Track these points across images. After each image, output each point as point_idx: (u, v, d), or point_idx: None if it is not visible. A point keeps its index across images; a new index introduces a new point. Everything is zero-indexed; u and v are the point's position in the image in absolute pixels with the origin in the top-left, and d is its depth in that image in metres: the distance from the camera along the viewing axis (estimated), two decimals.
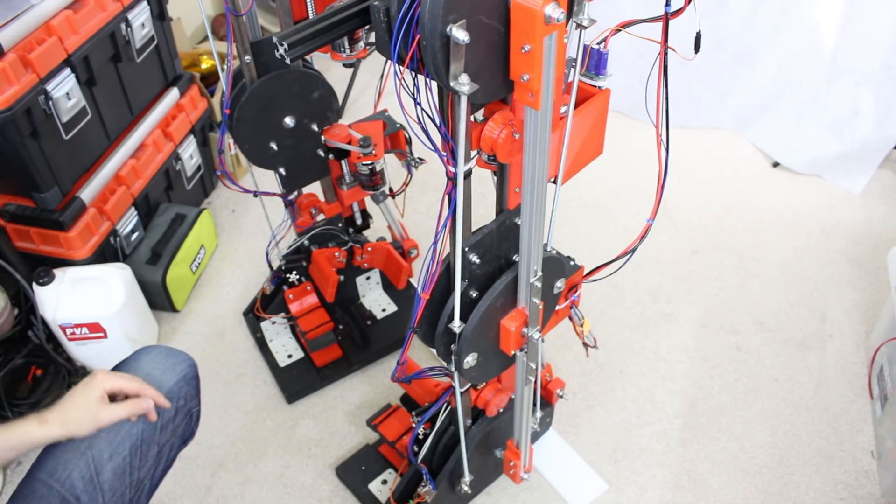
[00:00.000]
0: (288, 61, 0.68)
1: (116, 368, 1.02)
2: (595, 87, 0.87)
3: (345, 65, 1.28)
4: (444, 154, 0.77)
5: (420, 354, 1.60)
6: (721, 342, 1.63)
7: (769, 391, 1.53)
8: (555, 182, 0.88)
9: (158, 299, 1.66)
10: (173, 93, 1.80)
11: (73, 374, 1.52)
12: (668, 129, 0.84)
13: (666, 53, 0.77)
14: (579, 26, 0.74)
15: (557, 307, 1.05)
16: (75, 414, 0.91)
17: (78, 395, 0.92)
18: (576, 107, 0.84)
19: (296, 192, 1.48)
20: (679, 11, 0.74)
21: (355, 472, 1.38)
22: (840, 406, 1.50)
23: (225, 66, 1.22)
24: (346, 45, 1.18)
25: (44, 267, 1.44)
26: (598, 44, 0.81)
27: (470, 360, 0.93)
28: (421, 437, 1.21)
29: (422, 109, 0.73)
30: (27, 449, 0.91)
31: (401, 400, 1.36)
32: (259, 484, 1.39)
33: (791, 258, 1.83)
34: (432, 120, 0.74)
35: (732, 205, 1.99)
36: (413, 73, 0.69)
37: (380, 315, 1.65)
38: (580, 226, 1.91)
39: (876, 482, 1.37)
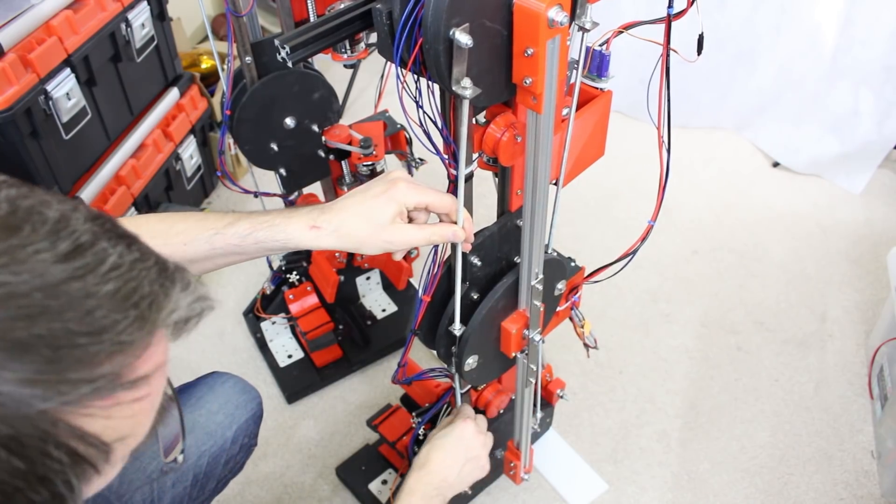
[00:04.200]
0: (290, 64, 0.68)
1: (185, 389, 0.98)
2: (597, 88, 0.87)
3: (345, 65, 1.28)
4: (446, 157, 0.77)
5: (420, 355, 1.60)
6: (721, 342, 1.63)
7: (769, 391, 1.53)
8: (556, 184, 0.88)
9: None
10: (173, 93, 1.80)
11: None
12: (670, 131, 0.84)
13: (668, 56, 0.77)
14: (581, 29, 0.74)
15: (558, 308, 1.05)
16: (360, 229, 0.74)
17: (368, 204, 0.75)
18: (577, 109, 0.84)
19: (296, 193, 1.48)
20: (682, 13, 0.74)
21: (356, 472, 1.38)
22: (840, 406, 1.50)
23: (225, 67, 1.22)
24: (347, 46, 1.18)
25: None
26: (599, 45, 0.81)
27: (471, 362, 0.93)
28: (421, 437, 1.21)
29: (424, 113, 0.73)
30: (286, 251, 0.79)
31: (401, 400, 1.36)
32: (259, 484, 1.39)
33: (791, 258, 1.83)
34: (434, 123, 0.74)
35: (732, 205, 1.99)
36: (415, 76, 0.69)
37: (380, 315, 1.65)
38: (580, 226, 1.91)
39: (876, 482, 1.38)
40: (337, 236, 0.74)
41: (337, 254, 1.48)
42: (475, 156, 0.81)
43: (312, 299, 1.54)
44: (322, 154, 1.33)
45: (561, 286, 1.00)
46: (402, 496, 0.97)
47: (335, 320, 1.54)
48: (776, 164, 2.12)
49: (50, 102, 1.36)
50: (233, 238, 0.76)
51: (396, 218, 0.75)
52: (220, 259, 0.78)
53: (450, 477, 1.02)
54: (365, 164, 1.32)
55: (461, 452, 1.03)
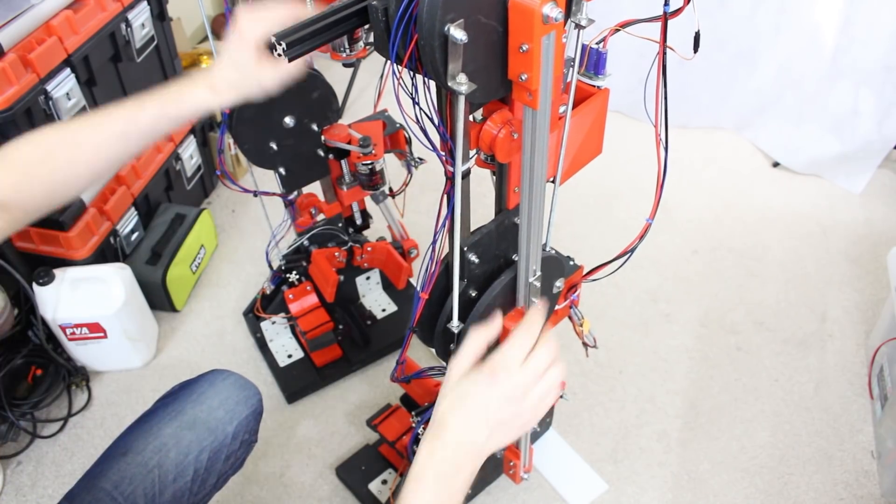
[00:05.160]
0: (286, 61, 0.68)
1: (185, 385, 0.99)
2: (594, 86, 0.87)
3: (344, 64, 1.28)
4: (443, 154, 0.77)
5: (420, 354, 1.60)
6: (721, 342, 1.63)
7: (769, 391, 1.53)
8: (553, 182, 0.88)
9: (158, 299, 1.66)
10: None
11: (74, 374, 1.52)
12: (668, 129, 0.84)
13: (665, 53, 0.77)
14: (577, 26, 0.74)
15: (557, 307, 1.05)
16: (236, 78, 0.80)
17: (229, 53, 0.80)
18: (575, 106, 0.84)
19: (295, 192, 1.48)
20: (678, 11, 0.74)
21: (355, 472, 1.38)
22: (840, 406, 1.50)
23: None
24: (346, 45, 1.18)
25: (44, 267, 1.44)
26: (596, 43, 0.81)
27: None
28: (421, 437, 1.21)
29: (420, 109, 0.73)
30: (193, 119, 0.85)
31: (401, 400, 1.36)
32: (259, 484, 1.39)
33: (791, 258, 1.83)
34: (431, 120, 0.74)
35: (732, 204, 1.99)
36: (412, 73, 0.69)
37: (380, 315, 1.65)
38: (580, 225, 1.91)
39: (876, 482, 1.37)
40: (234, 89, 0.80)
41: (336, 253, 1.48)
42: (472, 153, 0.81)
43: (312, 299, 1.54)
44: (321, 153, 1.33)
45: (559, 284, 1.00)
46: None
47: (335, 320, 1.54)
48: (776, 164, 2.12)
49: (50, 102, 1.37)
50: (145, 125, 0.81)
51: (261, 58, 0.78)
52: (135, 147, 0.83)
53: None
54: (364, 163, 1.32)
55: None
